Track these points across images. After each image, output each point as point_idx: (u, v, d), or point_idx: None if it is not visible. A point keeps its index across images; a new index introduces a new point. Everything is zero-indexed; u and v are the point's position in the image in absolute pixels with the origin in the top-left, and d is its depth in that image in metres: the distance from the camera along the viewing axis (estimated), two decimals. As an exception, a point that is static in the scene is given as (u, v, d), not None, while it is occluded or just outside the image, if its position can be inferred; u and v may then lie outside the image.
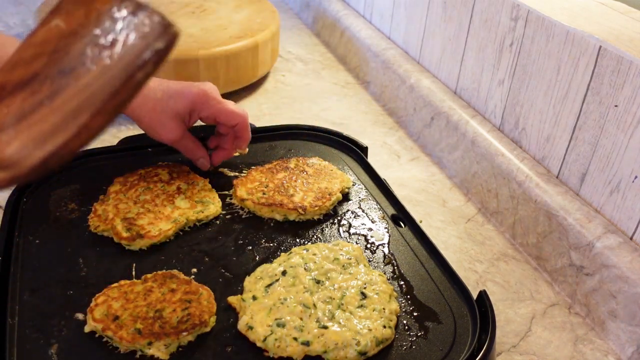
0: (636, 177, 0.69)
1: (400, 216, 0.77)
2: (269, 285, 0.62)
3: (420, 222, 0.82)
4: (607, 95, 0.71)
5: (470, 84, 0.99)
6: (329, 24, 1.48)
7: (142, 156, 0.85)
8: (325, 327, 0.57)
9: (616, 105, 0.70)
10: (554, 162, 0.82)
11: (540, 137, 0.84)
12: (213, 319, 0.60)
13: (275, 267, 0.65)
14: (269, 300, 0.60)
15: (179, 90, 0.77)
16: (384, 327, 0.58)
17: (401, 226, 0.75)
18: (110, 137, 1.03)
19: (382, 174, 0.85)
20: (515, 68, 0.87)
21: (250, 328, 0.58)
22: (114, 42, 0.35)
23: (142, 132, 0.85)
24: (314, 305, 0.60)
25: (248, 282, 0.64)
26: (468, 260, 0.82)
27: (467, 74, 1.00)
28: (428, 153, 1.06)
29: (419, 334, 0.59)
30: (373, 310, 0.60)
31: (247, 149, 0.85)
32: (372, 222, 0.76)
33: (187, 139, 0.80)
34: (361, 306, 0.60)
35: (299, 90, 1.26)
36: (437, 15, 1.06)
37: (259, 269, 0.66)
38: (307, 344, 0.56)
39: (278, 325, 0.58)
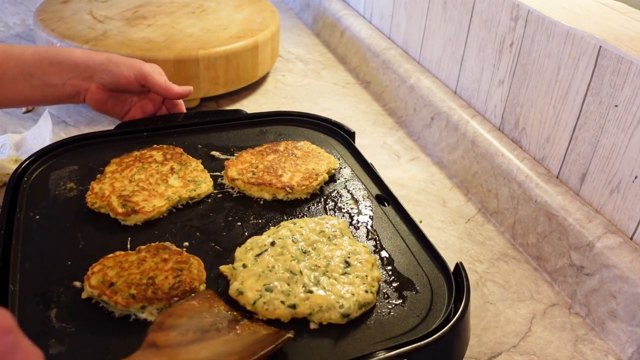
0: (636, 177, 0.69)
1: (384, 196, 0.79)
2: (258, 255, 0.66)
3: (420, 222, 0.83)
4: (607, 95, 0.71)
5: (470, 84, 0.99)
6: (329, 24, 1.48)
7: (138, 140, 0.88)
8: (311, 292, 0.61)
9: (616, 105, 0.70)
10: (554, 162, 0.82)
11: (540, 137, 0.84)
12: (203, 287, 0.62)
13: (264, 238, 0.68)
14: (258, 268, 0.64)
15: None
16: (366, 292, 0.62)
17: (385, 205, 0.77)
18: (107, 121, 1.05)
19: (382, 174, 0.85)
20: (515, 68, 0.87)
21: (241, 293, 0.61)
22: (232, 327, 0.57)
23: (140, 117, 0.90)
24: (301, 272, 0.63)
25: (239, 252, 0.67)
26: (468, 260, 0.82)
27: (467, 74, 1.00)
28: (428, 153, 1.06)
29: (397, 302, 0.62)
30: (356, 277, 0.63)
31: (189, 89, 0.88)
32: (357, 201, 0.78)
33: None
34: (345, 273, 0.64)
35: (299, 90, 1.26)
36: (437, 15, 1.06)
37: (249, 241, 0.69)
38: (293, 306, 0.59)
39: (267, 290, 0.61)
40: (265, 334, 0.56)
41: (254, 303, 0.60)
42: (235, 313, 0.59)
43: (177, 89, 0.88)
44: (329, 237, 0.69)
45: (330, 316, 0.59)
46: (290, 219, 0.75)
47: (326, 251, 0.67)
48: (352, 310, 0.60)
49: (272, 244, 0.67)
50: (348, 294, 0.61)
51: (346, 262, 0.65)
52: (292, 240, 0.68)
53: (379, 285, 0.64)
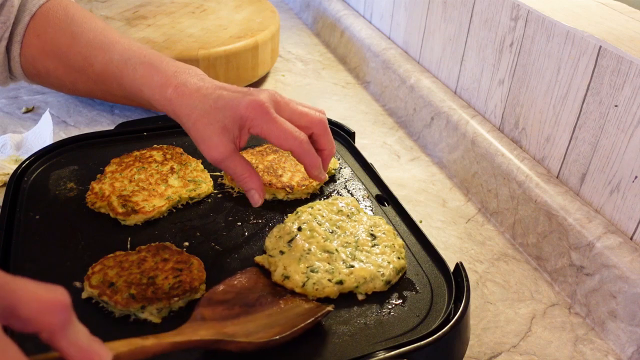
0: (636, 177, 0.69)
1: (384, 196, 0.79)
2: (290, 241, 0.68)
3: (420, 222, 0.83)
4: (607, 95, 0.71)
5: (470, 84, 0.99)
6: (329, 24, 1.49)
7: (138, 140, 0.89)
8: (352, 267, 0.65)
9: (616, 105, 0.70)
10: (554, 162, 0.82)
11: (540, 137, 0.84)
12: (203, 287, 0.63)
13: (290, 225, 0.71)
14: (296, 253, 0.66)
15: (229, 101, 0.64)
16: (398, 258, 0.66)
17: (385, 205, 0.78)
18: (107, 121, 1.04)
19: (382, 174, 0.85)
20: (515, 68, 0.87)
21: (287, 277, 0.63)
22: (282, 294, 0.62)
23: (139, 117, 0.88)
24: (337, 250, 0.67)
25: (269, 242, 0.69)
26: (468, 260, 0.82)
27: (467, 74, 1.00)
28: (428, 153, 1.06)
29: (397, 302, 0.63)
30: (385, 247, 0.68)
31: (326, 176, 0.70)
32: (357, 201, 0.79)
33: (235, 161, 0.65)
34: (374, 245, 0.68)
35: (299, 90, 1.26)
36: (437, 15, 1.07)
37: (275, 229, 0.71)
38: (340, 282, 0.63)
39: (311, 271, 0.64)
40: (307, 308, 0.59)
41: (303, 285, 0.62)
42: (278, 288, 0.62)
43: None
44: (347, 215, 0.73)
45: (375, 285, 0.63)
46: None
47: (350, 228, 0.71)
48: (392, 277, 0.64)
49: (299, 229, 0.69)
50: (385, 263, 0.65)
51: (371, 234, 0.70)
52: (317, 223, 0.70)
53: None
